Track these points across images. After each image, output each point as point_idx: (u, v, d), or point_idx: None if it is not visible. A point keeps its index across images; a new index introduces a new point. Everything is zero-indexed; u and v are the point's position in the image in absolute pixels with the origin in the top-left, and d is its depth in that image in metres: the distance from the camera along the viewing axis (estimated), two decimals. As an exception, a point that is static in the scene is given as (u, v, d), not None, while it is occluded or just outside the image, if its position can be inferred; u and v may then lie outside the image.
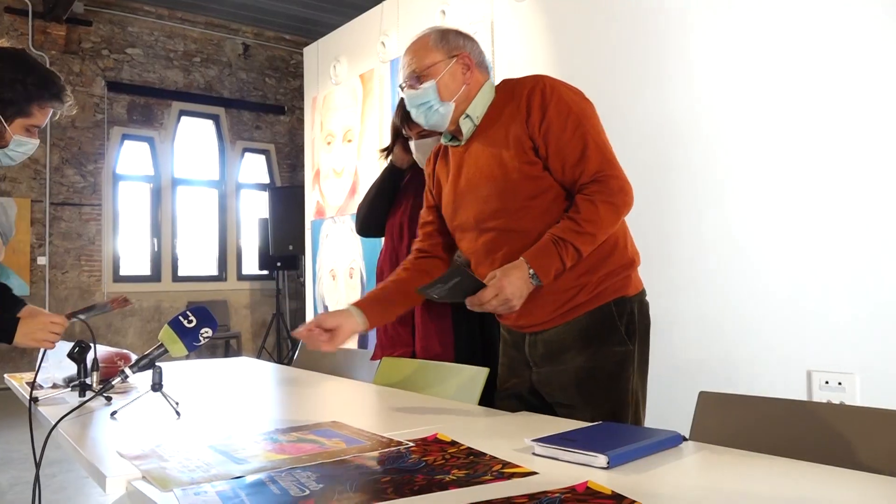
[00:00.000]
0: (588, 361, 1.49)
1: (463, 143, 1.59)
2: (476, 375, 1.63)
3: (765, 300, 2.39)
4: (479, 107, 1.56)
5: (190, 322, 1.43)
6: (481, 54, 1.62)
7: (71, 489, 3.55)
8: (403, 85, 1.58)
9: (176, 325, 1.43)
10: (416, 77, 1.55)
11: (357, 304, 1.60)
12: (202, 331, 1.43)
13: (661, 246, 2.69)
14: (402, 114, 2.02)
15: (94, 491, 3.46)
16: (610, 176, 1.44)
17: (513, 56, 3.47)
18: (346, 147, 4.76)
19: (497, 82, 1.61)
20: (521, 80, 1.56)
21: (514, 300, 1.38)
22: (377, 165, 4.43)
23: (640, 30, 2.87)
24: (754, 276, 2.43)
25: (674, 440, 1.07)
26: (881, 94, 2.17)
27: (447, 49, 1.55)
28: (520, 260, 1.41)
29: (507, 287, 1.37)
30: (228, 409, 1.59)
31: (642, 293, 1.56)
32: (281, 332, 7.09)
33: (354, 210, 4.59)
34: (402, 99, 2.07)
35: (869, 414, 1.08)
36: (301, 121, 6.79)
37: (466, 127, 1.56)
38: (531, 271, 1.39)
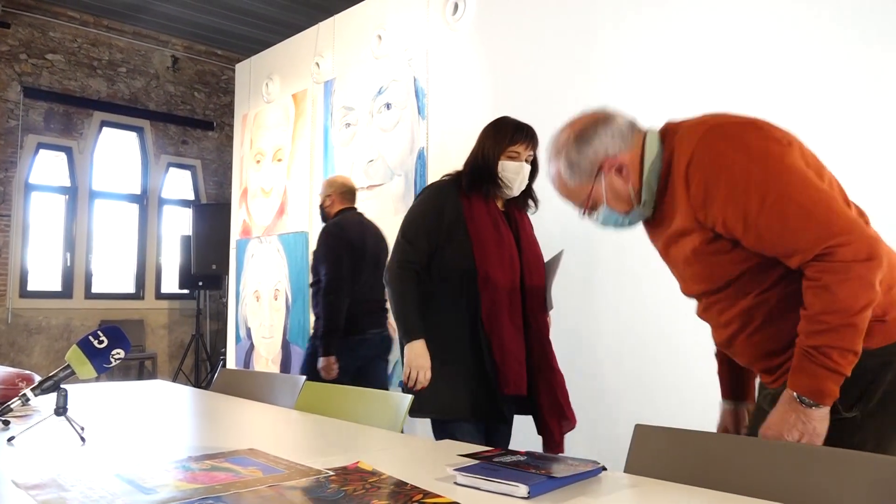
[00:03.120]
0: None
1: (652, 221, 1.43)
2: (400, 402, 1.61)
3: (693, 330, 2.46)
4: (651, 181, 1.35)
5: (101, 342, 1.36)
6: (621, 131, 1.38)
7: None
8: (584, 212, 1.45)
9: (85, 345, 1.36)
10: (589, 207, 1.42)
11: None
12: (114, 352, 1.37)
13: (590, 272, 2.74)
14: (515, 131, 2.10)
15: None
16: (836, 246, 1.14)
17: (448, 82, 3.51)
18: (275, 166, 4.68)
19: (652, 129, 1.39)
20: (680, 139, 1.31)
21: (814, 436, 1.15)
22: (307, 186, 4.39)
23: (576, 57, 2.96)
24: (683, 305, 2.50)
25: (594, 471, 1.08)
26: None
27: (589, 170, 1.38)
28: (785, 393, 1.20)
29: (786, 430, 1.16)
30: (139, 435, 1.51)
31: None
32: (199, 353, 6.84)
33: (283, 230, 4.52)
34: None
35: (801, 449, 1.12)
36: (230, 137, 6.65)
37: (647, 209, 1.39)
38: (801, 399, 1.17)
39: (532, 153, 2.13)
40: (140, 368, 6.95)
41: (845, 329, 1.14)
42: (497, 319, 2.00)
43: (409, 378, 2.01)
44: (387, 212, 3.74)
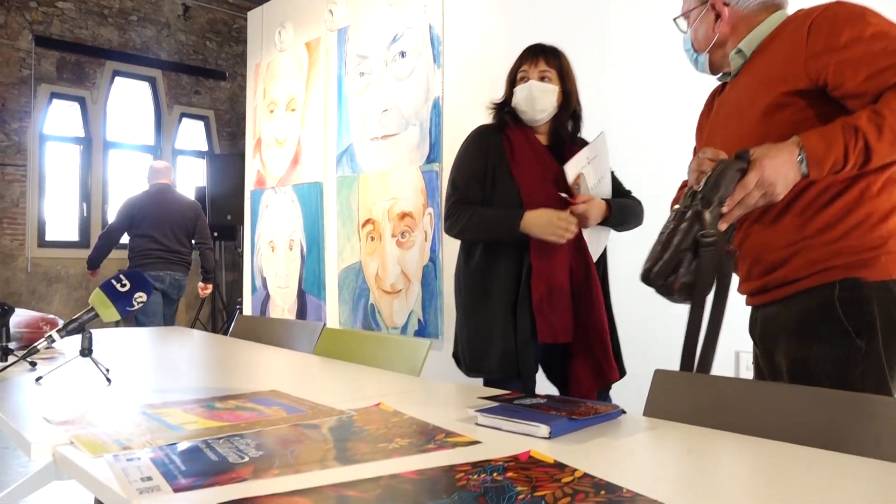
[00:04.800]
0: (800, 354, 1.27)
1: (731, 77, 1.46)
2: (419, 347, 1.63)
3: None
4: (754, 40, 1.38)
5: (123, 286, 1.38)
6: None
7: (-11, 460, 3.41)
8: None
9: (108, 288, 1.38)
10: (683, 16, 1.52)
11: None
12: (136, 295, 1.38)
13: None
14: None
15: (15, 462, 3.33)
16: None
17: (464, 30, 3.44)
18: (289, 116, 4.64)
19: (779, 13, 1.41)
20: (805, 11, 1.32)
21: (777, 186, 1.12)
22: (321, 136, 4.35)
23: (594, 4, 2.89)
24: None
25: (614, 414, 1.09)
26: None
27: None
28: (791, 139, 1.15)
29: (768, 168, 1.11)
30: (162, 376, 1.54)
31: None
32: (216, 303, 6.92)
33: (298, 180, 4.51)
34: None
35: (819, 393, 1.12)
36: (243, 87, 6.59)
37: (735, 63, 1.42)
38: (801, 155, 1.12)
39: (548, 69, 1.98)
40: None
41: (891, 136, 1.11)
42: (546, 262, 1.89)
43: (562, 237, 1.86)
44: (401, 162, 3.72)
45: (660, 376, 1.23)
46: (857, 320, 1.22)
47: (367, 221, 3.93)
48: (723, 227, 1.09)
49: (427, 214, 3.53)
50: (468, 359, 1.99)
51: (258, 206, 4.90)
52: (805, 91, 1.25)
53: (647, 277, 1.09)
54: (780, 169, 1.11)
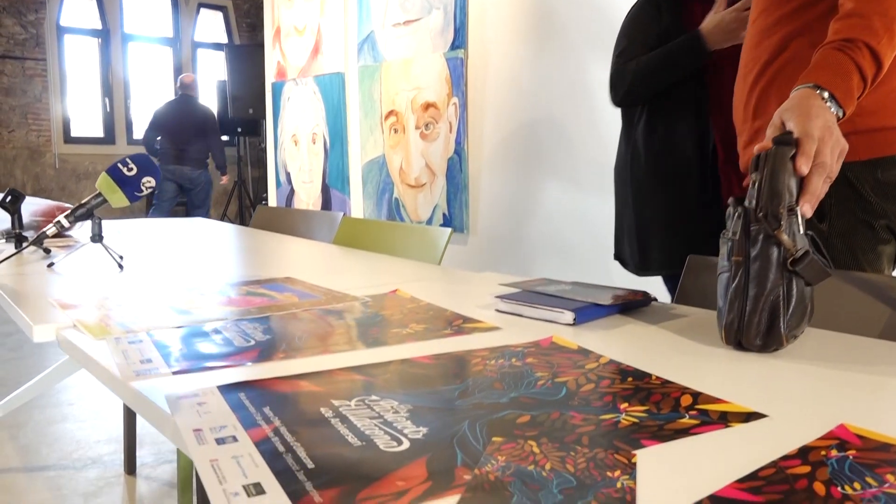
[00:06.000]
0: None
1: None
2: (439, 235, 1.57)
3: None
4: None
5: (130, 170, 1.33)
6: None
7: (27, 347, 3.52)
8: None
9: (115, 172, 1.33)
10: None
11: None
12: (144, 180, 1.33)
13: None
14: None
15: (52, 350, 3.43)
16: None
17: None
18: (308, 2, 4.43)
19: None
20: None
21: (834, 129, 0.87)
22: (342, 23, 4.16)
23: None
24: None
25: (643, 301, 1.03)
26: None
27: None
28: (795, 89, 0.94)
29: (816, 116, 0.86)
30: (176, 264, 1.51)
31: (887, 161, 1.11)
32: (243, 199, 6.93)
33: (319, 71, 4.36)
34: None
35: (843, 276, 1.05)
36: (260, -26, 6.31)
37: None
38: (824, 95, 0.92)
39: None
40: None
41: (883, 32, 0.96)
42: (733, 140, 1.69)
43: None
44: (425, 49, 3.55)
45: (693, 262, 1.16)
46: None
47: (391, 113, 3.81)
48: (809, 213, 0.81)
49: (452, 104, 3.40)
50: (637, 256, 1.76)
51: (280, 99, 4.79)
52: None
53: (740, 343, 0.80)
54: (823, 114, 0.88)
